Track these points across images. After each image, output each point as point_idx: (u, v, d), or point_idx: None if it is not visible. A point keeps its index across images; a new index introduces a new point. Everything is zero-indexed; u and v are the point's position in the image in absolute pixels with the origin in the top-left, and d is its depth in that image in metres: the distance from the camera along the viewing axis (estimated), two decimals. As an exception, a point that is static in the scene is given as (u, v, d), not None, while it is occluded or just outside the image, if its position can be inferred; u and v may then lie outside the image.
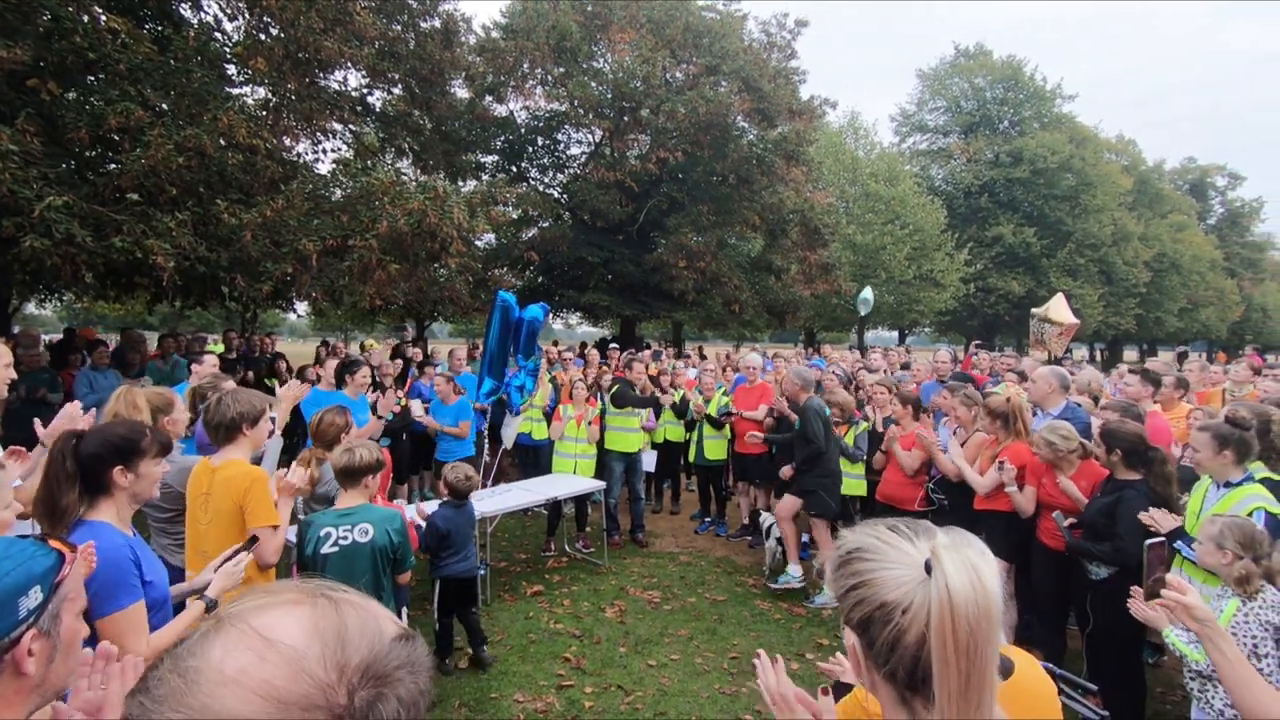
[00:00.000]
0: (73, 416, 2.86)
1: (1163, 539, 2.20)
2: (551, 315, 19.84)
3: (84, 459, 2.03)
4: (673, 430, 7.85)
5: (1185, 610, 1.87)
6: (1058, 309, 7.07)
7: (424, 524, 4.26)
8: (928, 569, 0.88)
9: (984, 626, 0.83)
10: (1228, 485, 3.38)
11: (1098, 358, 40.97)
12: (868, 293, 15.11)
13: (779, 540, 5.88)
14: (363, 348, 13.49)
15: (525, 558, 6.53)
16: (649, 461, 7.41)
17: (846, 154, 26.46)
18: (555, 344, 14.76)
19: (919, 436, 5.09)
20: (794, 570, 5.73)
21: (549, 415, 7.41)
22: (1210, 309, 38.95)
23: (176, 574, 2.86)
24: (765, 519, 6.27)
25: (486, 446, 7.35)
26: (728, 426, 7.32)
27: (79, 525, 2.03)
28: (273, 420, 3.24)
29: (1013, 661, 1.15)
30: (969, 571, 0.85)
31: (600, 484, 6.54)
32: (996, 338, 33.06)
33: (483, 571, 5.02)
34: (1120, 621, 3.40)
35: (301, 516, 3.63)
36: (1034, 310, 8.50)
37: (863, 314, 16.19)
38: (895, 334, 32.52)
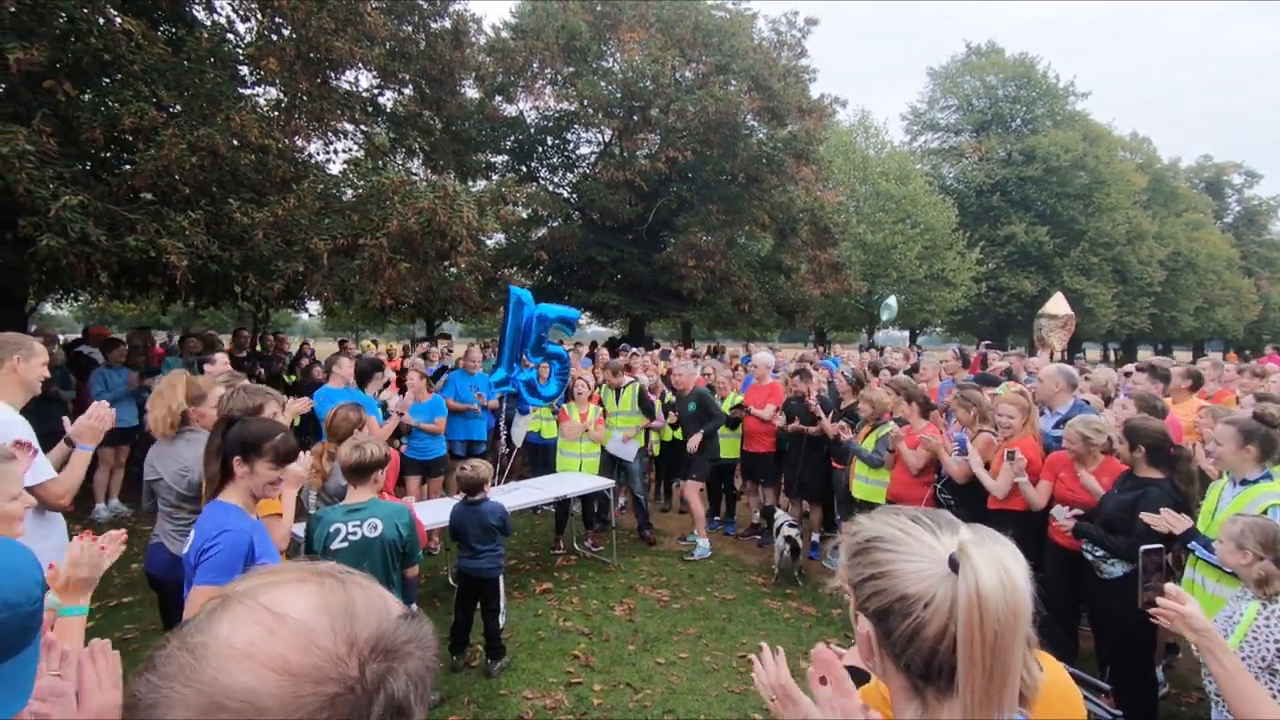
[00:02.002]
0: (101, 416, 2.91)
1: (1159, 545, 2.15)
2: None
3: (225, 443, 2.27)
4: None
5: (1183, 620, 1.83)
6: (1055, 303, 7.03)
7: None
8: (953, 565, 0.87)
9: (1012, 626, 0.83)
10: (1244, 483, 3.34)
11: (1111, 357, 40.56)
12: (892, 300, 14.99)
13: (787, 539, 5.86)
14: (363, 350, 13.58)
15: (535, 556, 6.54)
16: (628, 451, 7.28)
17: (857, 153, 26.36)
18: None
19: (922, 440, 5.03)
20: (703, 544, 6.59)
21: (557, 414, 7.42)
22: (1227, 308, 38.50)
23: (176, 561, 2.91)
24: (778, 517, 6.24)
25: (504, 441, 7.37)
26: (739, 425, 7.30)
27: (213, 504, 2.27)
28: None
29: (1041, 667, 1.13)
30: (999, 570, 0.84)
31: (609, 482, 6.53)
32: (1009, 337, 32.85)
33: None
34: (1132, 621, 3.36)
35: (311, 511, 3.65)
36: (1039, 312, 8.43)
37: (885, 319, 16.12)
38: (906, 334, 32.36)
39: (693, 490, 6.79)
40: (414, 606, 3.60)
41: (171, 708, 0.53)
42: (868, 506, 5.47)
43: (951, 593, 0.86)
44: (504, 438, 7.29)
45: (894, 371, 7.68)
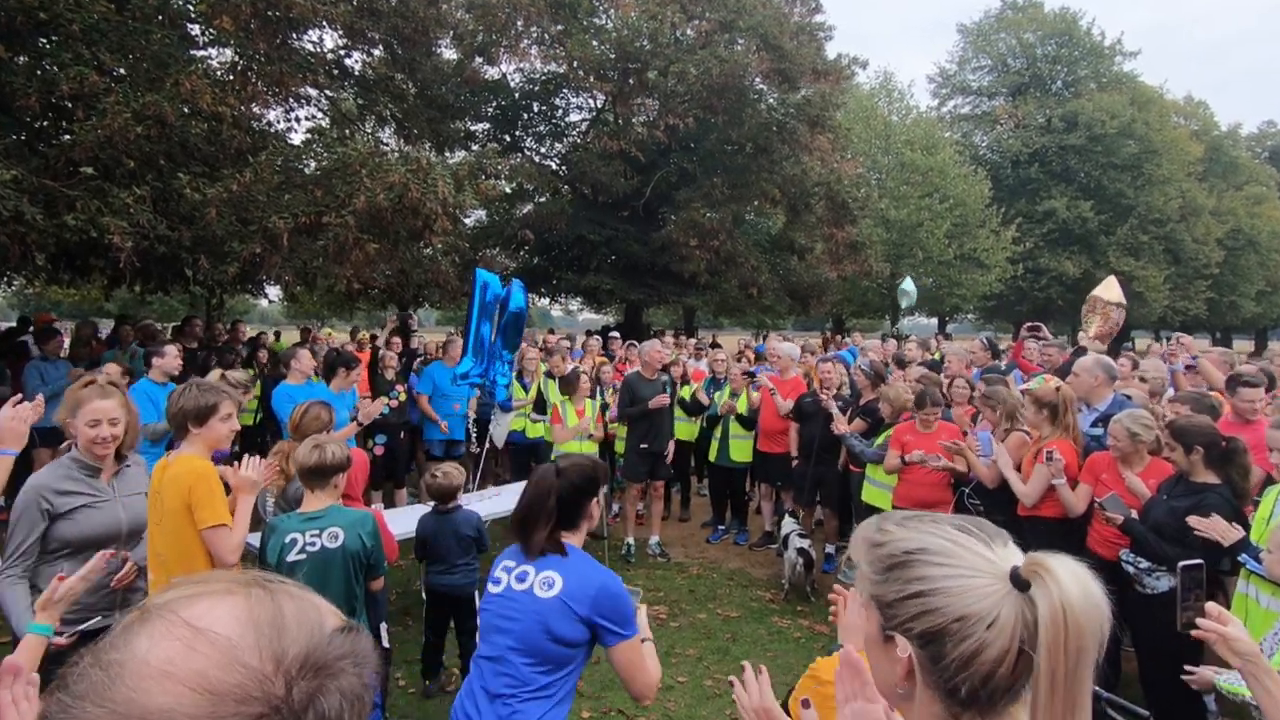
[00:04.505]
0: (22, 415, 2.88)
1: (1199, 561, 2.18)
2: (549, 300, 19.86)
3: (566, 496, 2.34)
4: (681, 427, 7.83)
5: (1225, 643, 1.86)
6: (1106, 287, 6.88)
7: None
8: (1017, 580, 0.87)
9: (1091, 646, 0.85)
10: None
11: (1163, 348, 40.52)
12: (909, 284, 14.96)
13: (799, 550, 5.90)
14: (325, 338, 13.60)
15: (518, 568, 6.57)
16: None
17: (878, 119, 26.28)
18: (551, 331, 14.81)
19: (941, 446, 5.04)
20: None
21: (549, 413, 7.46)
22: (1292, 292, 38.50)
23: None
24: (785, 525, 6.28)
25: (474, 441, 7.41)
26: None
27: (574, 550, 2.38)
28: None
29: None
30: (1081, 583, 0.85)
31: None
32: (1049, 325, 32.90)
33: None
34: (1176, 642, 3.39)
35: (267, 518, 3.66)
36: (1090, 296, 8.26)
37: (904, 306, 16.08)
38: (934, 321, 32.37)
39: (629, 493, 7.18)
40: (384, 625, 3.64)
41: None
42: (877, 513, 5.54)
43: (1017, 611, 0.86)
44: (473, 436, 7.33)
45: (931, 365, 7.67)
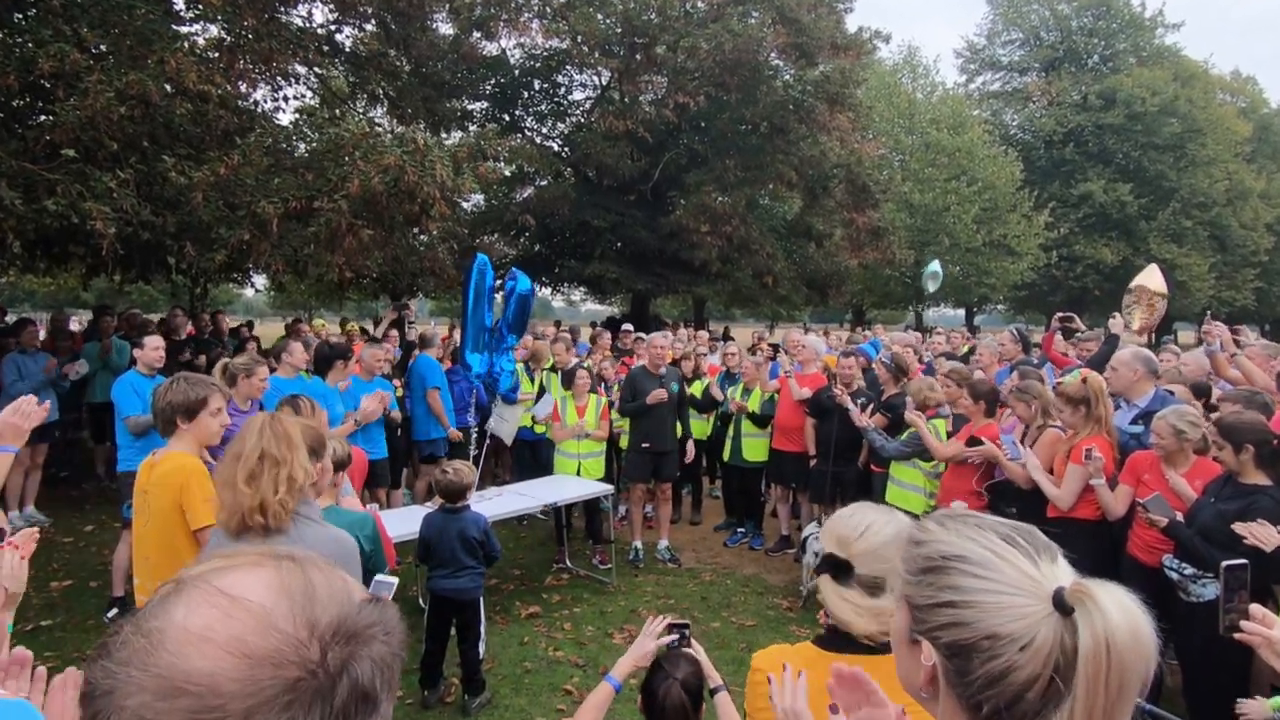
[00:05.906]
0: (26, 411, 2.87)
1: (1244, 561, 2.19)
2: (550, 290, 19.89)
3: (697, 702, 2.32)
4: (694, 425, 7.83)
5: (1269, 647, 1.87)
6: (1148, 275, 6.82)
7: None
8: (1060, 604, 0.86)
9: (1134, 683, 0.84)
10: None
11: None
12: (936, 267, 14.86)
13: (817, 554, 5.90)
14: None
15: (520, 574, 6.62)
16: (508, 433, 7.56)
17: (902, 97, 26.22)
18: (558, 324, 14.85)
19: (977, 452, 5.05)
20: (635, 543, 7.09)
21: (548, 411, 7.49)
22: (1348, 280, 38.17)
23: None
24: (807, 530, 6.29)
25: (474, 440, 7.45)
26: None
27: None
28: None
29: None
30: (1129, 616, 0.84)
31: (606, 487, 6.58)
32: (1085, 316, 32.74)
33: None
34: (1222, 654, 3.39)
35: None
36: (1131, 285, 8.20)
37: (931, 290, 15.98)
38: (961, 312, 32.30)
39: (634, 494, 7.18)
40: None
41: (129, 693, 0.59)
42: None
43: (1055, 636, 0.85)
44: (474, 435, 7.36)
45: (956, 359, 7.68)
